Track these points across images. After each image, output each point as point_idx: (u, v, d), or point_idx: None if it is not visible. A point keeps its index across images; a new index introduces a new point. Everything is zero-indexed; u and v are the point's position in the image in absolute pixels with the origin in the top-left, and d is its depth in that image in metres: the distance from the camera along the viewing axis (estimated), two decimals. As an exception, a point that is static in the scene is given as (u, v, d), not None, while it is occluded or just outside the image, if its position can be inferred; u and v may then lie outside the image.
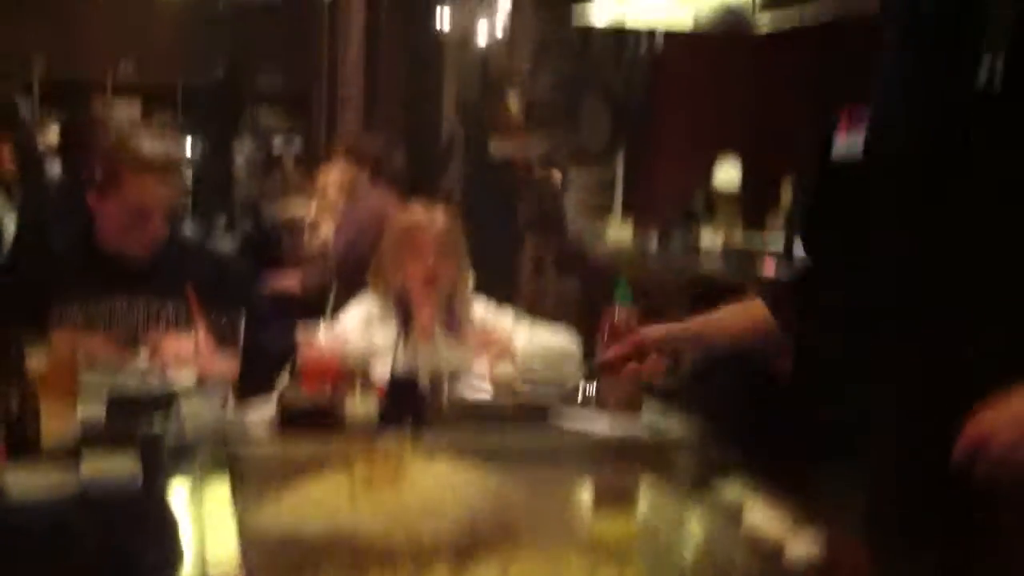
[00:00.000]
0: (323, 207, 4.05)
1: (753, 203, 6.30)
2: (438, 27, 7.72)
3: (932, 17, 1.36)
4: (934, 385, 1.35)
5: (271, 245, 4.06)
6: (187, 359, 2.12)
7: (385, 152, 4.34)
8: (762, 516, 1.46)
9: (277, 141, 9.42)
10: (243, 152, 9.26)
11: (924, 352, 1.36)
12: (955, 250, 1.33)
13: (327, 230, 3.99)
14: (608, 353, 1.75)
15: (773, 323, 1.65)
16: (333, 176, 4.13)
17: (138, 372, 2.15)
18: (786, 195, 5.85)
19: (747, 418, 3.92)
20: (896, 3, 1.45)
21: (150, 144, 2.44)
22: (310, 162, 9.81)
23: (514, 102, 5.92)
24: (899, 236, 1.40)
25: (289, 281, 3.97)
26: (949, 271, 1.33)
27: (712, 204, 6.48)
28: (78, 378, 1.92)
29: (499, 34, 7.80)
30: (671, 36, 7.22)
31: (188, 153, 8.45)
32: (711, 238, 5.73)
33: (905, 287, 1.39)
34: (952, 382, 1.32)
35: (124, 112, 9.18)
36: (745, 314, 1.71)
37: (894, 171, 1.41)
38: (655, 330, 1.73)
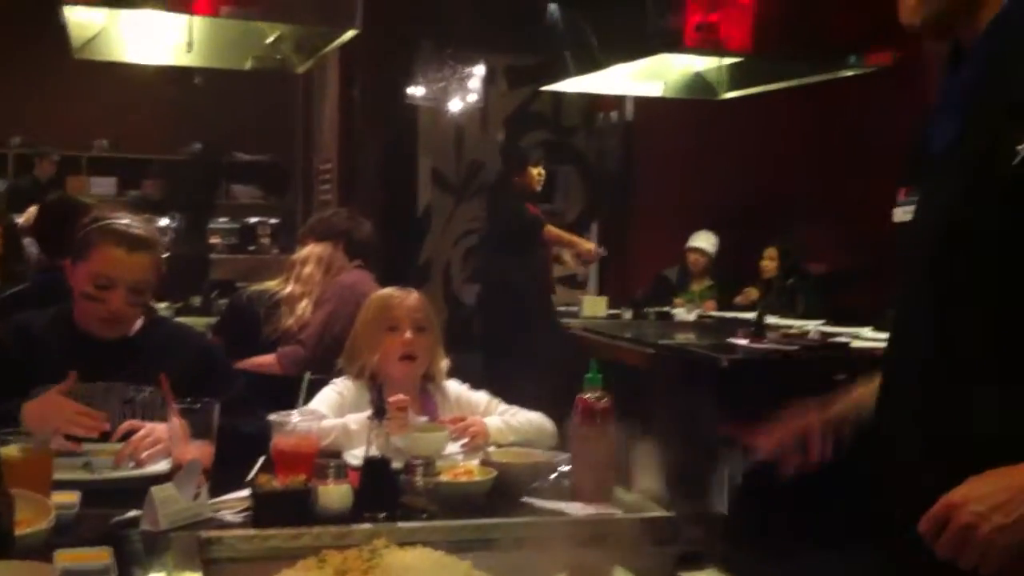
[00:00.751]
0: (300, 284, 4.04)
1: (728, 274, 6.37)
2: (412, 98, 7.80)
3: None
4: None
5: (248, 323, 4.02)
6: (161, 447, 2.13)
7: (355, 226, 4.35)
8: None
9: (253, 217, 9.44)
10: (219, 227, 9.28)
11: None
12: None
13: (304, 308, 3.98)
14: (771, 442, 1.74)
15: None
16: (307, 252, 4.12)
17: (111, 461, 2.15)
18: (768, 265, 5.91)
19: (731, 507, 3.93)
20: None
21: (122, 218, 2.45)
22: (286, 237, 9.85)
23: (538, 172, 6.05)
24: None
25: (266, 360, 3.96)
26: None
27: (687, 275, 6.54)
28: (51, 469, 1.93)
29: (473, 105, 7.90)
30: (642, 104, 7.34)
31: (164, 229, 8.45)
32: (685, 310, 5.77)
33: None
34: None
35: (101, 189, 9.22)
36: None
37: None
38: (822, 413, 1.72)
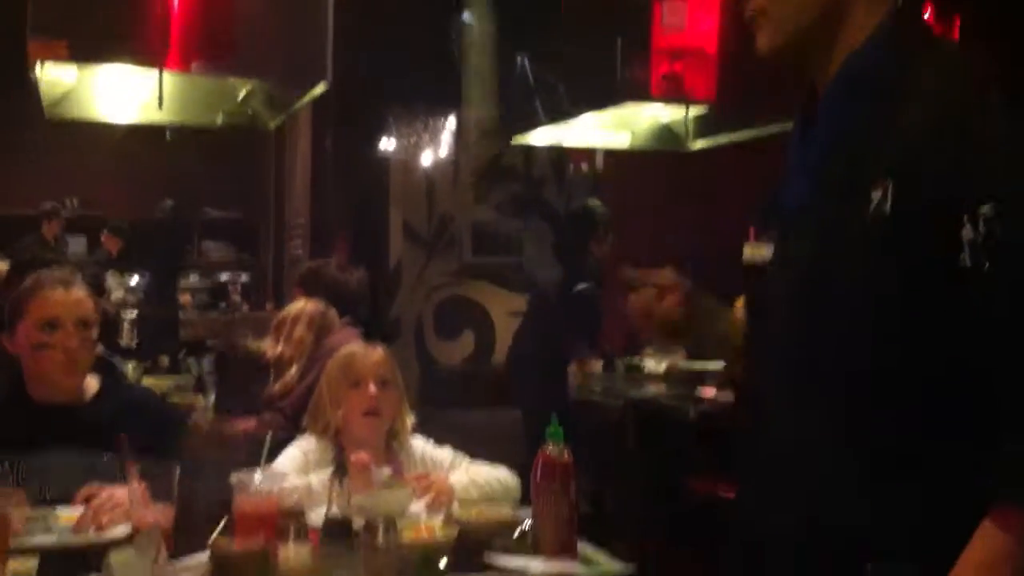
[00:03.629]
0: (290, 347, 3.93)
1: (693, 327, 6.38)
2: (383, 152, 7.84)
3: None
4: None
5: (236, 383, 3.97)
6: (120, 511, 2.11)
7: (347, 278, 4.29)
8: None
9: (224, 274, 9.42)
10: (189, 286, 9.24)
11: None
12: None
13: (293, 374, 3.88)
14: None
15: None
16: (298, 310, 4.04)
17: (71, 526, 2.13)
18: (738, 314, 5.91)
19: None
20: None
21: (50, 268, 2.47)
22: (257, 294, 9.83)
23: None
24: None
25: (248, 425, 3.90)
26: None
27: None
28: (9, 535, 1.91)
29: (443, 157, 7.95)
30: (611, 156, 7.40)
31: (133, 288, 8.42)
32: (654, 362, 5.78)
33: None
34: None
35: (72, 247, 9.17)
36: None
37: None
38: None
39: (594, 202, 5.99)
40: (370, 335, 3.76)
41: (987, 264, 1.23)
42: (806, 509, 1.38)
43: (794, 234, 1.47)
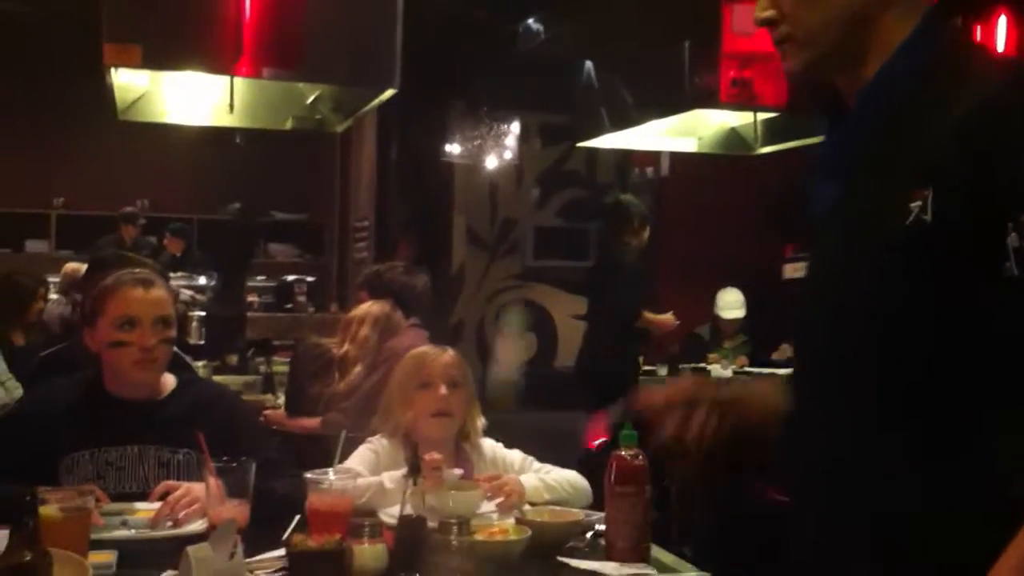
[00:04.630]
0: (355, 346, 3.97)
1: (761, 329, 6.33)
2: (447, 156, 7.87)
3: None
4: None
5: (300, 378, 4.00)
6: (197, 506, 2.13)
7: (411, 281, 4.31)
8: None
9: (290, 275, 9.52)
10: (256, 286, 9.35)
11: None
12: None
13: (357, 373, 3.91)
14: (656, 398, 1.60)
15: None
16: (364, 311, 4.06)
17: (148, 521, 2.16)
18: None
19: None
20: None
21: (127, 266, 2.50)
22: (322, 295, 9.91)
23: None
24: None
25: (310, 423, 3.93)
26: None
27: (719, 332, 6.51)
28: (89, 528, 1.94)
29: (507, 162, 7.96)
30: (677, 159, 7.37)
31: (202, 288, 8.54)
32: (721, 368, 5.75)
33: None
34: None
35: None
36: None
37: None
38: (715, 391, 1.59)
39: (627, 197, 6.03)
40: (436, 338, 3.78)
41: None
42: (842, 522, 1.36)
43: (822, 236, 1.45)
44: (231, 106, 4.29)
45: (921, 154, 1.28)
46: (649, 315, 5.68)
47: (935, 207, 1.24)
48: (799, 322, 1.47)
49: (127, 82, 4.20)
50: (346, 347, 3.98)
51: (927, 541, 1.27)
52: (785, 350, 6.02)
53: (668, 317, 5.80)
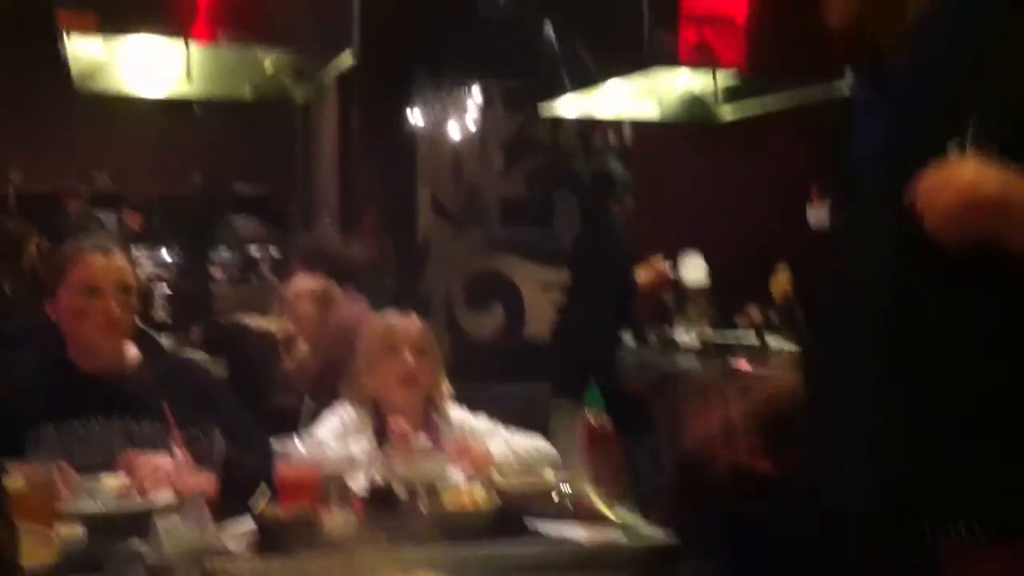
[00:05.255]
0: (297, 324, 3.93)
1: (723, 298, 6.36)
2: (410, 126, 7.82)
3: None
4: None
5: (248, 356, 3.97)
6: (164, 478, 2.12)
7: (346, 250, 4.28)
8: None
9: (253, 249, 9.45)
10: (219, 261, 9.28)
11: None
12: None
13: (303, 351, 3.87)
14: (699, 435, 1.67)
15: None
16: (300, 287, 4.02)
17: (116, 494, 2.15)
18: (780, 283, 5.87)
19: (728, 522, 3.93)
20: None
21: (89, 235, 2.48)
22: (288, 268, 9.84)
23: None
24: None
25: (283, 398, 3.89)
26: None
27: (683, 299, 6.53)
28: (56, 500, 1.93)
29: (470, 130, 7.92)
30: (638, 128, 7.37)
31: (164, 262, 8.47)
32: (687, 334, 5.77)
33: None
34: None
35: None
36: None
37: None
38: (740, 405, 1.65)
39: (613, 164, 5.94)
40: (376, 305, 3.70)
41: None
42: (885, 473, 1.38)
43: (870, 185, 1.44)
44: (189, 74, 4.25)
45: (969, 93, 1.31)
46: (644, 270, 5.65)
47: (974, 139, 1.27)
48: (833, 273, 1.47)
49: (82, 50, 4.14)
50: (289, 326, 3.95)
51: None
52: (751, 313, 6.05)
53: (660, 266, 5.77)
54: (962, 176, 1.25)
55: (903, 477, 1.35)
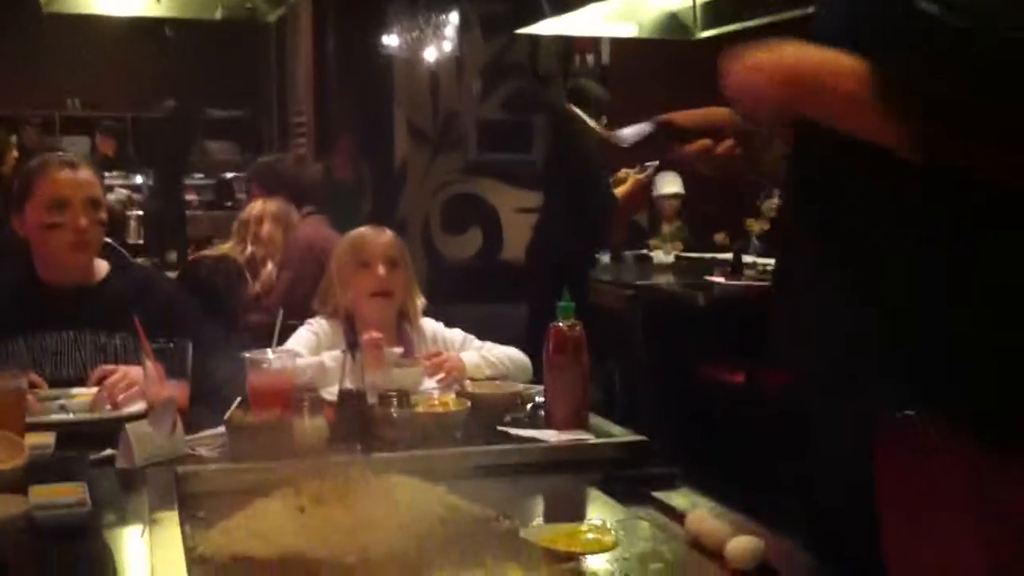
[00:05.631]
0: (260, 246, 3.93)
1: (697, 215, 6.37)
2: (386, 48, 7.73)
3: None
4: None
5: (209, 295, 3.92)
6: (136, 390, 2.12)
7: (303, 172, 4.28)
8: (705, 522, 1.49)
9: (228, 173, 9.39)
10: (194, 184, 9.22)
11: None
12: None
13: (270, 272, 3.88)
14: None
15: None
16: (260, 210, 4.02)
17: (87, 404, 2.15)
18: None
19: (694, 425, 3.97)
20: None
21: (54, 151, 2.46)
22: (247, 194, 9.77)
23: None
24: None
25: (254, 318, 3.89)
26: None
27: (658, 216, 6.54)
28: (25, 409, 1.93)
29: (448, 54, 7.84)
30: (618, 46, 7.30)
31: (138, 186, 8.40)
32: (662, 252, 5.79)
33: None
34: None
35: (74, 148, 9.13)
36: None
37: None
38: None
39: (588, 82, 5.86)
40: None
41: None
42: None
43: None
44: (158, -6, 4.18)
45: None
46: (620, 178, 5.61)
47: None
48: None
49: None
50: (251, 249, 3.94)
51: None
52: (723, 237, 6.07)
53: (636, 176, 5.73)
54: (772, 57, 1.32)
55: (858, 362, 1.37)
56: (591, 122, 2.27)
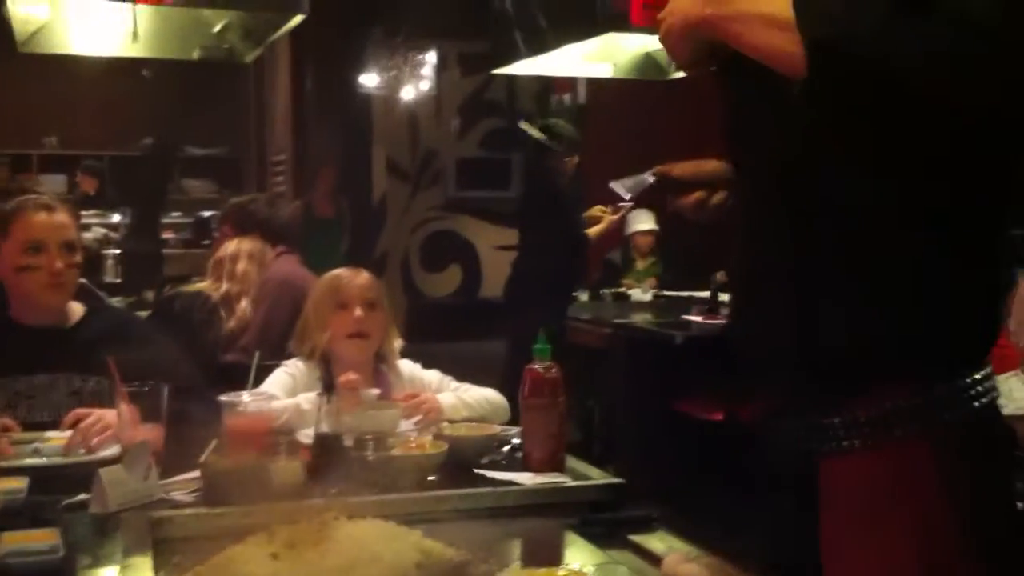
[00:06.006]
0: (235, 283, 3.95)
1: (672, 252, 6.40)
2: (365, 86, 7.76)
3: None
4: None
5: (183, 331, 3.92)
6: (110, 433, 2.11)
7: (276, 212, 4.30)
8: (681, 566, 1.48)
9: (206, 211, 9.37)
10: (172, 222, 9.20)
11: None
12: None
13: (244, 308, 3.90)
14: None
15: None
16: (235, 248, 4.04)
17: (60, 448, 2.13)
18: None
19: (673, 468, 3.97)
20: None
21: (32, 193, 2.46)
22: (221, 232, 9.74)
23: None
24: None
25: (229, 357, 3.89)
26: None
27: (633, 253, 6.56)
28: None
29: (426, 92, 7.88)
30: (595, 86, 7.35)
31: (115, 225, 8.38)
32: (639, 290, 5.81)
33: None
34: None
35: (51, 186, 9.10)
36: None
37: None
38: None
39: (557, 121, 5.91)
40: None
41: None
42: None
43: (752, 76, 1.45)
44: (135, 35, 4.17)
45: None
46: (595, 215, 5.65)
47: None
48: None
49: (26, 12, 4.06)
50: (226, 286, 3.95)
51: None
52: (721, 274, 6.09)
53: (610, 216, 5.77)
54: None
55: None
56: (544, 139, 2.32)
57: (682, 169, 1.70)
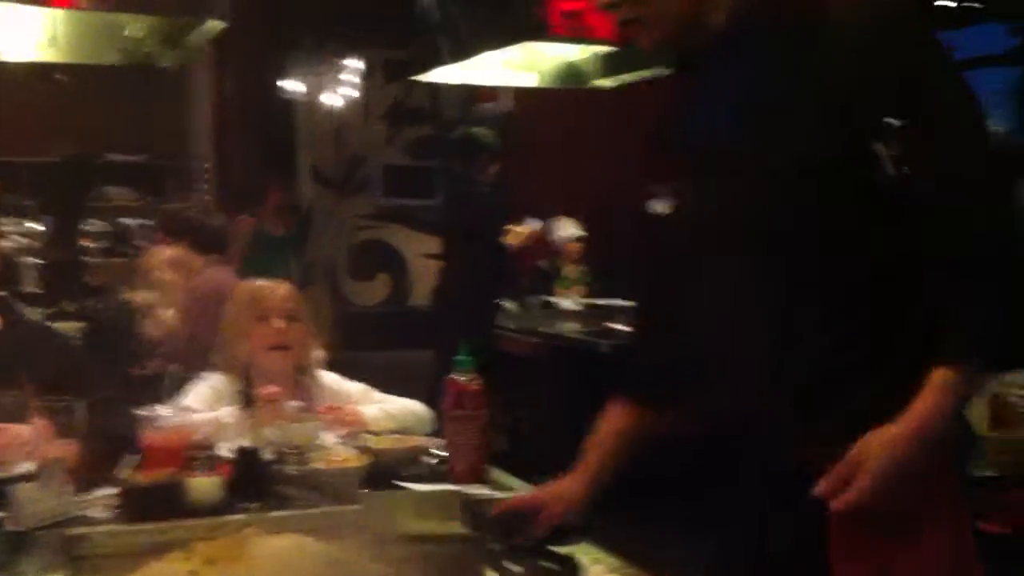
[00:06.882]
0: (160, 292, 3.91)
1: (598, 260, 6.43)
2: (287, 93, 7.71)
3: None
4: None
5: (119, 329, 3.88)
6: (24, 449, 2.06)
7: (207, 220, 4.27)
8: None
9: (127, 219, 9.21)
10: (91, 231, 9.02)
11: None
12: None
13: (169, 316, 3.85)
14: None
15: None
16: (162, 258, 4.00)
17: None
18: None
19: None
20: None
21: None
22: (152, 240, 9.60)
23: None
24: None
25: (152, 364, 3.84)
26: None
27: (560, 261, 6.59)
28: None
29: (350, 99, 7.84)
30: (521, 94, 7.37)
31: (33, 233, 8.19)
32: (567, 299, 5.83)
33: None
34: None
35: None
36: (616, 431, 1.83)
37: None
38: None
39: (478, 129, 5.93)
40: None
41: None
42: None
43: (719, 172, 1.51)
44: (53, 39, 4.11)
45: (806, 84, 1.39)
46: (514, 230, 5.67)
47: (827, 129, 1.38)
48: (703, 247, 1.55)
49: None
50: (150, 295, 3.92)
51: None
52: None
53: (528, 229, 5.80)
54: None
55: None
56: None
57: None
